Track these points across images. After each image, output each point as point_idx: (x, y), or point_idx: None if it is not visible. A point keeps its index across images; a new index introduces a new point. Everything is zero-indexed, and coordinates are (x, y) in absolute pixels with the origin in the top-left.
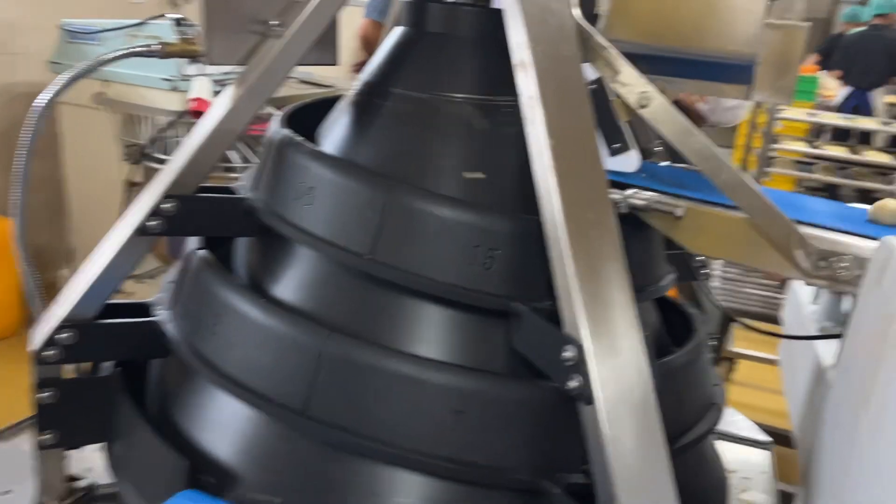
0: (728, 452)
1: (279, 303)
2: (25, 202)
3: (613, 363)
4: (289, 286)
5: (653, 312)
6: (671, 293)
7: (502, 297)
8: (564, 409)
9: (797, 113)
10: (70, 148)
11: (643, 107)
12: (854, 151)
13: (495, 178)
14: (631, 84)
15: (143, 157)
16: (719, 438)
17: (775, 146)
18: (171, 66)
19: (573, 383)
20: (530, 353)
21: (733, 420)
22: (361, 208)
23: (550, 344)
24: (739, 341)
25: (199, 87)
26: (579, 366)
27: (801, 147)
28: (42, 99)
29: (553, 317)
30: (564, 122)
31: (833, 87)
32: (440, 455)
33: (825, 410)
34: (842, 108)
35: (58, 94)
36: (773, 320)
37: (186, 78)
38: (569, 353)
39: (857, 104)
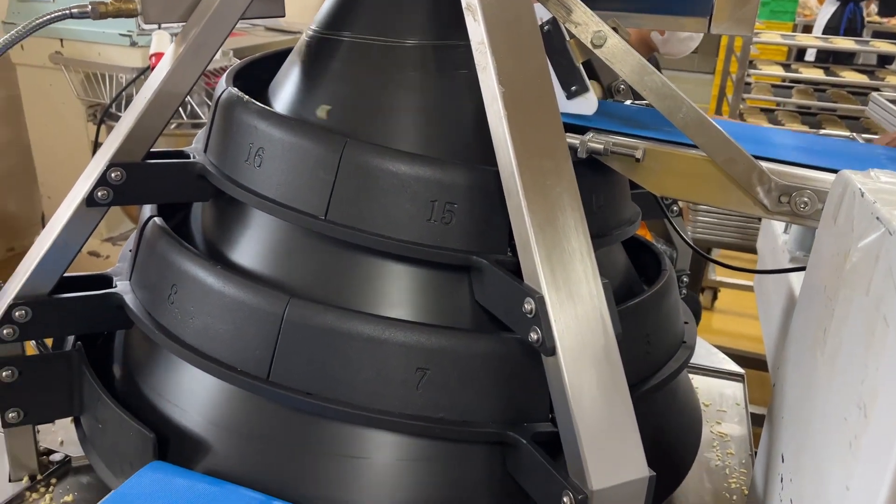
0: (702, 386)
1: (237, 269)
2: None
3: (574, 312)
4: (246, 251)
5: (621, 254)
6: (643, 233)
7: (463, 251)
8: (529, 360)
9: (773, 36)
10: (32, 111)
11: (598, 46)
12: (832, 73)
13: (453, 129)
14: (584, 23)
15: (107, 116)
16: (693, 373)
17: (752, 71)
18: (128, 21)
19: (534, 335)
20: (493, 307)
21: (708, 353)
22: (313, 168)
23: (512, 296)
24: (721, 271)
25: (159, 41)
26: (540, 317)
27: (777, 71)
28: None
29: (516, 269)
30: (516, 67)
31: (812, 6)
32: (407, 413)
33: (788, 345)
34: (832, 23)
35: None
36: (751, 250)
37: (145, 32)
38: (529, 305)
39: (850, 17)
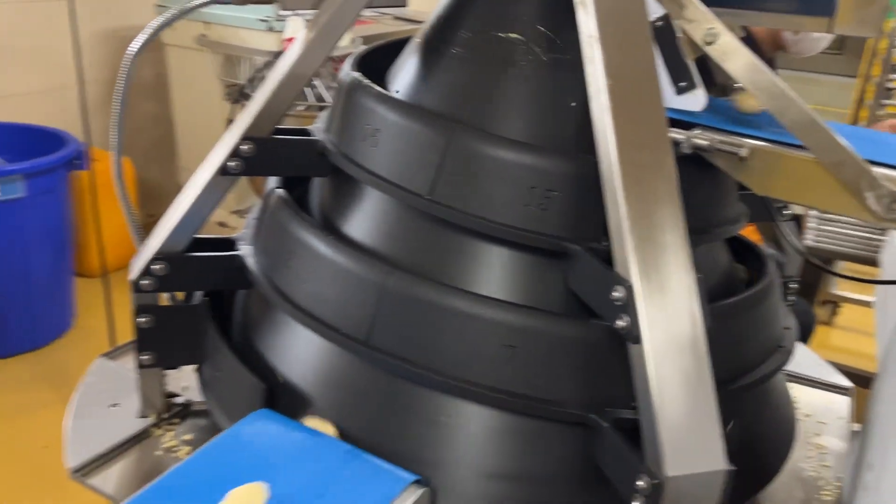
0: (806, 397)
1: (347, 239)
2: (121, 143)
3: (662, 303)
4: (357, 224)
5: (724, 253)
6: (755, 236)
7: (558, 237)
8: (615, 347)
9: None
10: (177, 89)
11: (709, 43)
12: None
13: (559, 119)
14: (697, 20)
15: (241, 96)
16: (798, 382)
17: (894, 76)
18: (266, 7)
19: (621, 322)
20: (584, 293)
21: (816, 365)
22: (423, 150)
23: (602, 283)
24: (843, 284)
25: (293, 27)
26: (628, 305)
27: None
28: (134, 46)
29: (608, 257)
30: (623, 61)
31: None
32: (492, 386)
33: (888, 354)
34: None
35: (145, 44)
36: (874, 262)
37: (281, 18)
38: (618, 292)
39: None
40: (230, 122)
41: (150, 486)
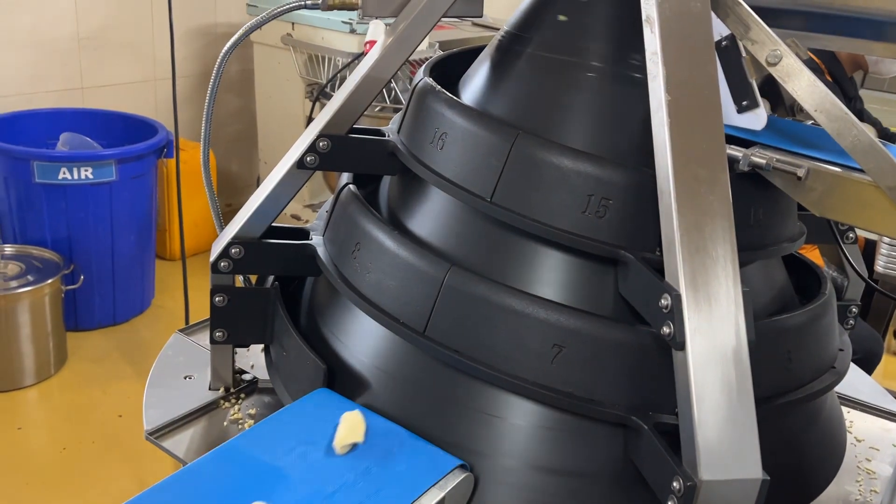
0: (861, 422)
1: (411, 235)
2: (208, 136)
3: (708, 314)
4: (420, 222)
5: (780, 271)
6: (817, 259)
7: (612, 245)
8: (661, 353)
9: None
10: (260, 85)
11: (772, 64)
12: None
13: (621, 131)
14: (761, 41)
15: (322, 95)
16: (854, 407)
17: None
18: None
19: (667, 329)
20: (633, 300)
21: (873, 391)
22: (486, 154)
23: (651, 291)
24: None
25: (374, 30)
26: (674, 313)
27: None
28: (226, 46)
29: (660, 267)
30: (685, 78)
31: None
32: (540, 383)
33: None
34: None
35: (236, 43)
36: None
37: (363, 21)
38: (666, 300)
39: None
40: (310, 120)
41: (214, 450)
